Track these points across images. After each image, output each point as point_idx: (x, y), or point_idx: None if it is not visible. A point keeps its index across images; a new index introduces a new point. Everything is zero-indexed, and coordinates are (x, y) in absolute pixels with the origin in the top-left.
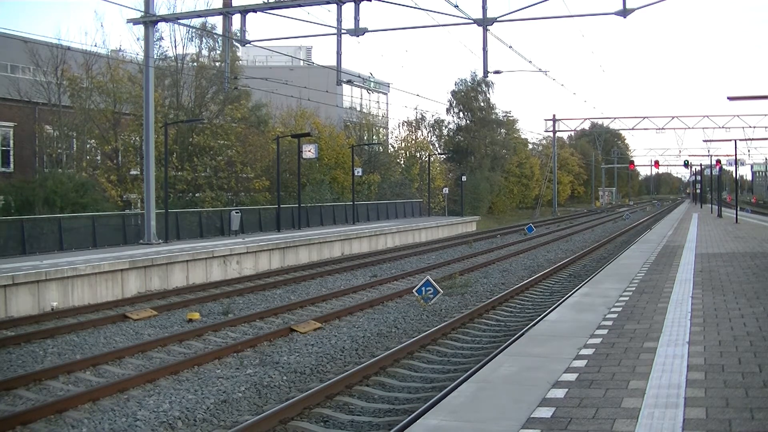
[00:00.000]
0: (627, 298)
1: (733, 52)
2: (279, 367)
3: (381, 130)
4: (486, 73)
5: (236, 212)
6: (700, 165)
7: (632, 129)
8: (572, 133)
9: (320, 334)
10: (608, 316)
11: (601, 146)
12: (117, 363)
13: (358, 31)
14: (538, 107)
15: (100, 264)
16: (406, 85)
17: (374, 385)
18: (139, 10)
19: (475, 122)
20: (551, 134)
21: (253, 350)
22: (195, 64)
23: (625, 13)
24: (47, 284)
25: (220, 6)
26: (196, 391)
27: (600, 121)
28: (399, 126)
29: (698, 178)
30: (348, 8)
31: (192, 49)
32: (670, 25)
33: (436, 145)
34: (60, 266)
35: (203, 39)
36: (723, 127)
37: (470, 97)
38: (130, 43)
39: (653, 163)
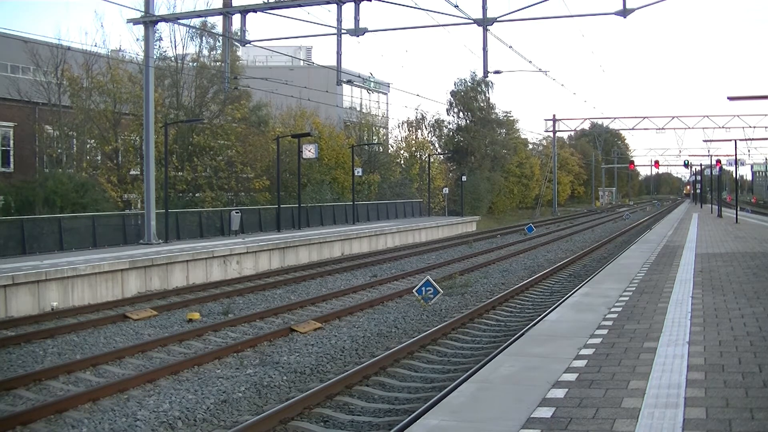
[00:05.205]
0: (627, 298)
1: (733, 52)
2: (279, 367)
3: (381, 130)
4: (486, 73)
5: (236, 212)
6: (700, 165)
7: (632, 129)
8: (572, 133)
9: (320, 334)
10: (608, 316)
11: (601, 146)
12: (117, 363)
13: (358, 31)
14: (538, 107)
15: (100, 264)
16: (406, 85)
17: (374, 385)
18: (139, 10)
19: (475, 122)
20: (551, 134)
21: (253, 350)
22: (195, 64)
23: (625, 13)
24: (47, 284)
25: (220, 6)
26: (196, 391)
27: (600, 121)
28: (399, 126)
29: (698, 178)
30: (348, 8)
31: (192, 49)
32: (670, 25)
33: (436, 145)
34: (60, 266)
35: (203, 39)
36: (723, 127)
37: (470, 97)
38: (130, 43)
39: (653, 163)
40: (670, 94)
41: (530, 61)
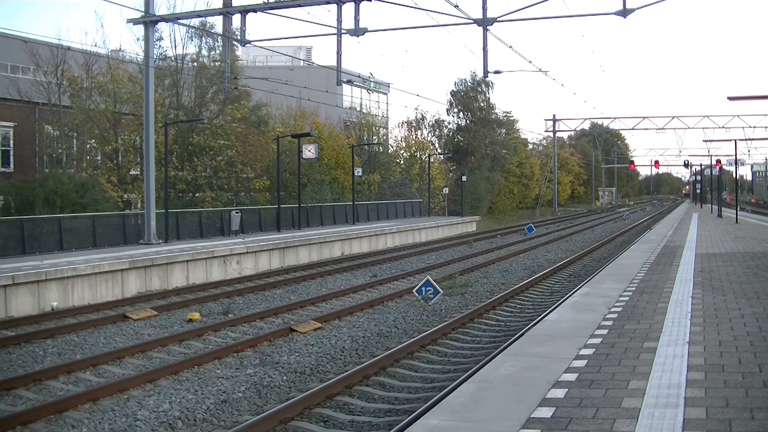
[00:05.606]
0: (627, 298)
1: (733, 52)
2: (279, 367)
3: (381, 130)
4: (486, 73)
5: (236, 212)
6: (700, 165)
7: (632, 129)
8: (572, 133)
9: (320, 334)
10: (608, 316)
11: (601, 146)
12: (117, 363)
13: (358, 31)
14: (538, 107)
15: (100, 264)
16: (406, 85)
17: (374, 385)
18: (139, 10)
19: (475, 122)
20: (551, 134)
21: (253, 350)
22: (195, 64)
23: (625, 13)
24: (47, 284)
25: (220, 6)
26: (196, 391)
27: (600, 121)
28: (399, 126)
29: (698, 178)
30: (348, 8)
31: (192, 49)
32: (670, 25)
33: (436, 145)
34: (60, 266)
35: (203, 39)
36: (723, 127)
37: (470, 97)
38: (130, 43)
39: (653, 163)
40: (670, 94)
41: (530, 61)
